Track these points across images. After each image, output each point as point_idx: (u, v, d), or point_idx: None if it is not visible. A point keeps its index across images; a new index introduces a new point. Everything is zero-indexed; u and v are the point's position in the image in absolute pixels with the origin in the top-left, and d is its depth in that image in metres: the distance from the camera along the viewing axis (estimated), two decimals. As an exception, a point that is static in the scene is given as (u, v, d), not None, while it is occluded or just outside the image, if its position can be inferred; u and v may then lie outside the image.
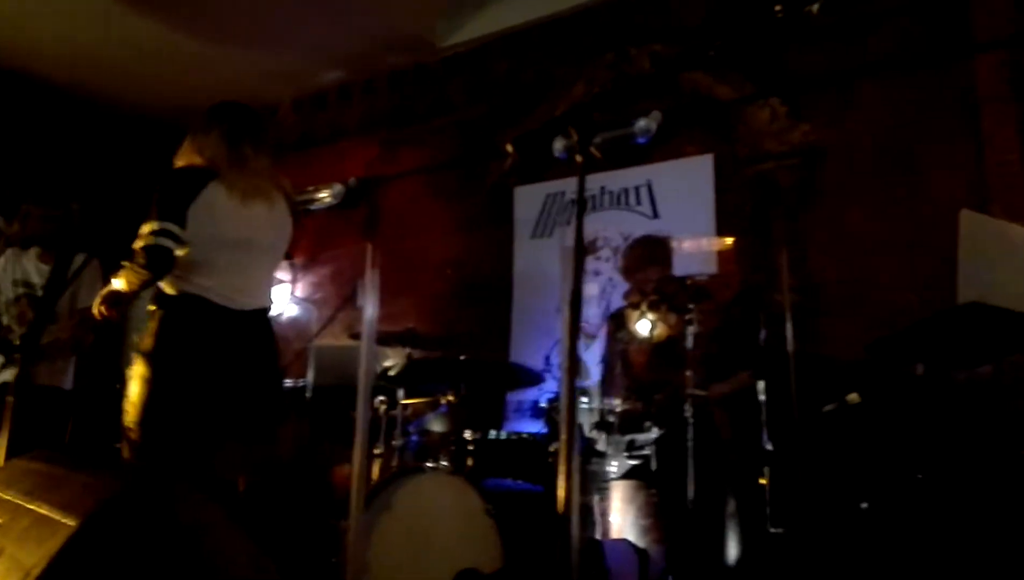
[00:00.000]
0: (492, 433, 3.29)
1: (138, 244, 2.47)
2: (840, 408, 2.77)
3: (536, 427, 3.78)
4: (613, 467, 3.25)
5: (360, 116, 5.96)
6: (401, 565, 2.63)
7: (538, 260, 5.02)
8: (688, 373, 3.03)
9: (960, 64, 3.80)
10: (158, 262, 2.46)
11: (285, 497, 3.65)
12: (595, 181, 4.82)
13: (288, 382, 4.31)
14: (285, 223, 2.83)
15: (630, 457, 3.34)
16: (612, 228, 4.73)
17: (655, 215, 4.63)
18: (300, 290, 5.87)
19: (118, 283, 2.51)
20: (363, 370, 2.16)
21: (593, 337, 4.51)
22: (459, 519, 2.72)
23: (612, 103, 4.25)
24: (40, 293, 3.61)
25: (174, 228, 2.47)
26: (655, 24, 4.65)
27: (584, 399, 3.32)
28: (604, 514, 3.20)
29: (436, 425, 3.62)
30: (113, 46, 5.43)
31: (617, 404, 3.26)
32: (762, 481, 2.86)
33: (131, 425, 2.46)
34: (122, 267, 2.51)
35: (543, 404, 3.45)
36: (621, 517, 3.19)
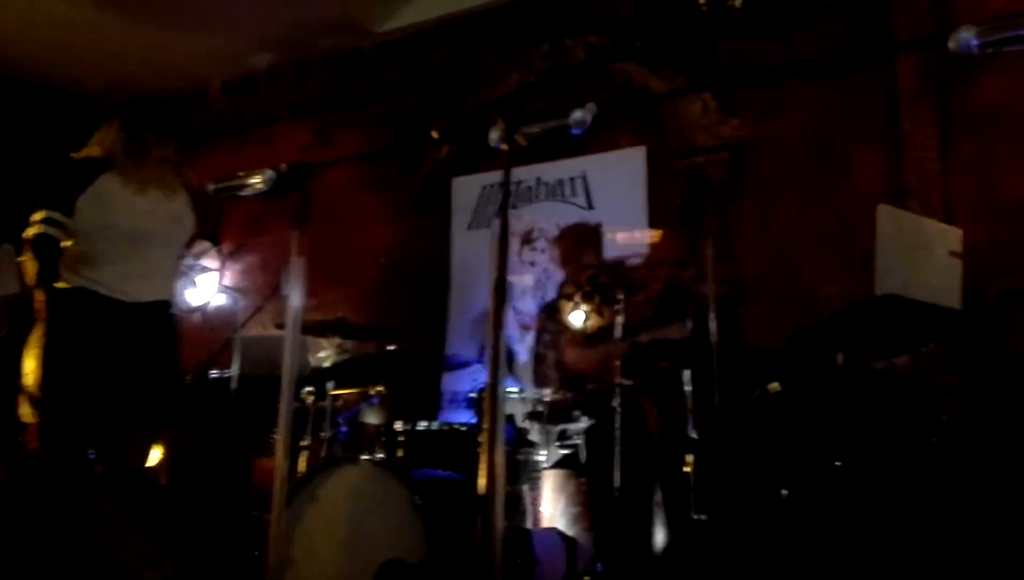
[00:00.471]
0: (422, 424, 3.27)
1: (27, 234, 2.46)
2: (762, 397, 2.84)
3: (469, 417, 3.78)
4: (544, 456, 3.26)
5: (293, 101, 5.83)
6: (325, 557, 2.60)
7: (475, 251, 5.00)
8: (616, 363, 3.07)
9: (881, 63, 3.92)
10: (44, 252, 2.44)
11: (209, 489, 3.58)
12: (531, 172, 4.83)
13: (214, 373, 4.22)
14: (184, 215, 2.83)
15: (561, 447, 3.37)
16: (548, 219, 4.74)
17: (590, 206, 4.66)
18: (228, 279, 5.73)
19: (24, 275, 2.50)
20: (287, 360, 2.13)
21: (528, 328, 4.52)
22: (385, 510, 2.69)
23: (548, 94, 4.26)
24: None
25: (60, 217, 2.47)
26: (590, 15, 4.67)
27: (513, 389, 3.33)
28: (536, 503, 3.22)
29: (371, 417, 3.59)
30: (38, 23, 5.19)
31: (547, 394, 3.28)
32: (687, 469, 2.92)
33: (27, 417, 2.44)
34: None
35: (473, 394, 3.44)
36: (552, 506, 3.22)
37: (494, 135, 1.66)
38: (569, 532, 3.11)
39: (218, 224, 5.95)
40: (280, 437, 2.04)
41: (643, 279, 4.03)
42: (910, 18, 3.88)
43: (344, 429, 3.39)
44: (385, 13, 5.25)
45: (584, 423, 3.31)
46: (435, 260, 5.05)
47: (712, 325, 2.90)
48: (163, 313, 2.77)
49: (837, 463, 2.84)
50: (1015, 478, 2.54)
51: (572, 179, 4.73)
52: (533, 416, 3.34)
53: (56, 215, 2.48)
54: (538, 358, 3.99)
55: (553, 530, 3.13)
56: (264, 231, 5.65)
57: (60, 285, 2.55)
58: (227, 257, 5.80)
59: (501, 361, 1.61)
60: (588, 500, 3.16)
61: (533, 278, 4.75)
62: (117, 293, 2.59)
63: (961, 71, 3.70)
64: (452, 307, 4.99)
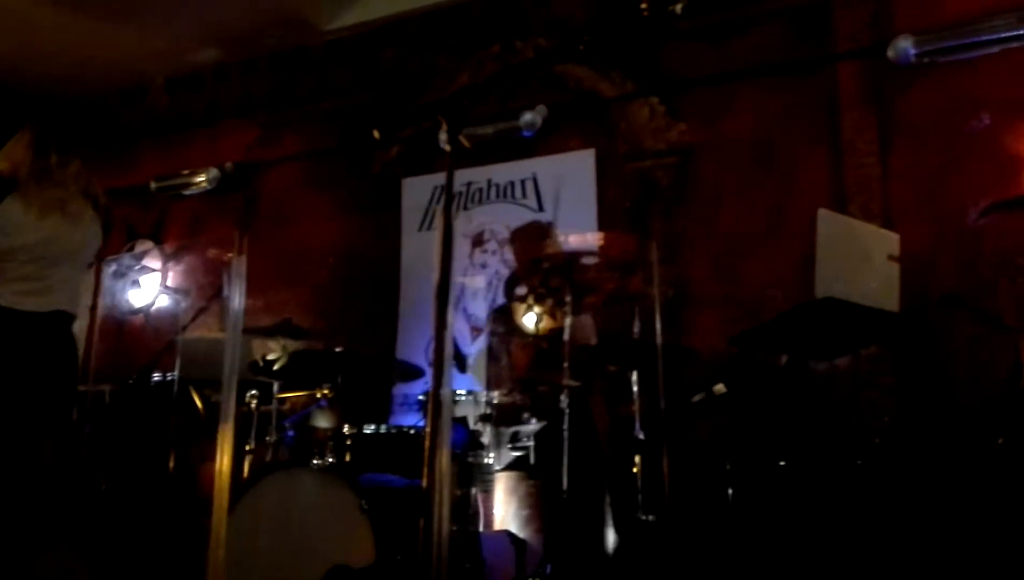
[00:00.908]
0: (370, 427, 3.23)
1: None
2: (707, 398, 2.87)
3: (419, 420, 3.75)
4: (491, 459, 3.25)
5: (238, 98, 5.71)
6: (270, 563, 2.55)
7: (426, 253, 4.95)
8: (565, 365, 3.07)
9: (823, 70, 4.01)
10: None
11: (151, 496, 3.49)
12: (482, 174, 4.82)
13: (156, 376, 4.12)
14: (91, 233, 2.88)
15: (513, 449, 3.36)
16: (499, 221, 4.74)
17: (540, 208, 4.67)
18: (171, 279, 5.59)
19: None
20: (228, 363, 2.08)
21: (480, 330, 4.51)
22: (331, 515, 2.66)
23: (492, 94, 4.26)
24: None
25: None
26: (540, 18, 4.69)
27: (461, 391, 3.31)
28: (488, 506, 3.21)
29: (321, 420, 3.54)
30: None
31: (495, 396, 3.27)
32: (634, 470, 2.94)
33: None
34: None
35: (422, 397, 3.42)
36: (504, 508, 3.21)
37: (443, 136, 1.64)
38: (521, 534, 3.10)
39: (162, 223, 5.82)
40: (221, 441, 2.00)
41: (593, 281, 4.05)
42: (851, 27, 3.98)
43: (291, 433, 3.33)
44: (333, 11, 5.18)
45: (535, 425, 3.31)
46: (385, 262, 5.00)
47: (658, 327, 2.92)
48: (62, 324, 2.79)
49: (781, 463, 2.89)
50: (951, 476, 2.60)
51: (523, 181, 4.73)
52: (485, 418, 3.33)
53: None
54: (490, 360, 3.98)
55: (504, 533, 3.12)
56: (208, 231, 5.54)
57: None
58: (170, 257, 5.66)
59: (446, 363, 1.59)
60: (539, 502, 3.16)
61: (485, 280, 4.74)
62: (15, 304, 2.64)
63: (900, 79, 3.80)
64: (402, 309, 4.95)
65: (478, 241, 4.80)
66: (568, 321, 3.12)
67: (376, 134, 1.68)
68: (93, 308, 5.18)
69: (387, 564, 2.52)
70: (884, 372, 3.66)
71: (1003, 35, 3.24)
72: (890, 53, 3.54)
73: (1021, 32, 3.18)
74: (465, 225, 4.74)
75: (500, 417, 3.32)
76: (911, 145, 3.81)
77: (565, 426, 2.97)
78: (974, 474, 2.55)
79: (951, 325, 3.46)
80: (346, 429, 3.18)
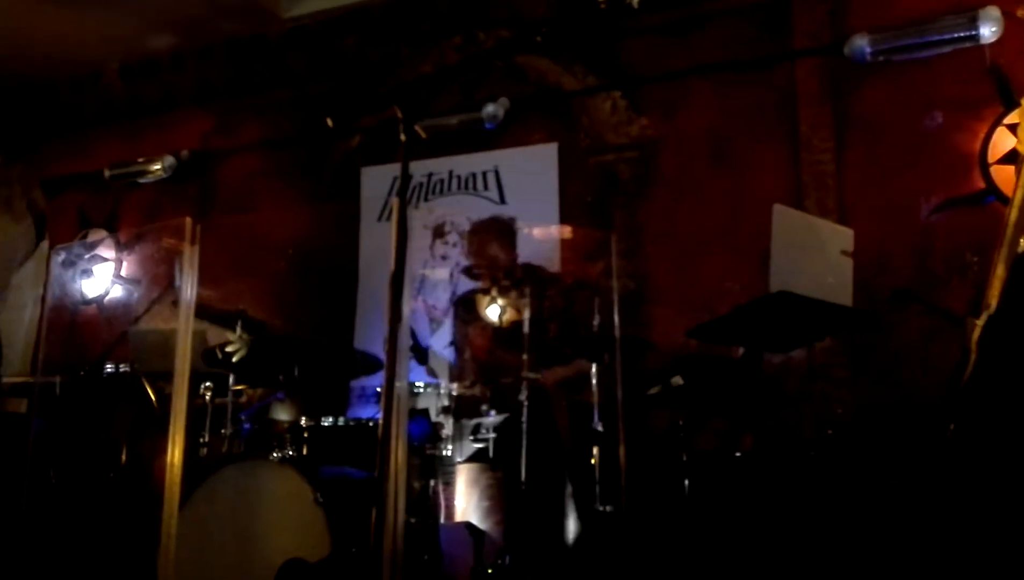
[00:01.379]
0: (328, 420, 3.20)
1: None
2: (665, 390, 2.89)
3: (377, 412, 3.72)
4: (451, 450, 3.24)
5: (195, 85, 5.60)
6: (223, 557, 2.52)
7: (385, 243, 4.90)
8: (524, 357, 3.07)
9: (781, 67, 4.06)
10: None
11: (102, 489, 3.42)
12: (444, 165, 4.79)
13: (109, 367, 4.03)
14: (25, 239, 2.91)
15: (475, 441, 3.36)
16: (460, 212, 4.72)
17: (502, 200, 4.66)
18: (124, 269, 5.48)
19: None
20: (180, 354, 2.06)
21: (440, 322, 4.49)
22: (286, 508, 2.63)
23: (451, 85, 4.24)
24: None
25: None
26: (503, 9, 4.67)
27: (420, 383, 3.30)
28: (449, 498, 3.20)
29: (280, 413, 3.50)
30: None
31: (455, 388, 3.26)
32: (592, 461, 2.96)
33: None
34: None
35: (379, 389, 3.39)
36: (465, 500, 3.21)
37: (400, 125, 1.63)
38: (482, 526, 3.10)
39: (116, 212, 5.70)
40: (173, 433, 1.97)
41: (554, 274, 4.06)
42: (809, 24, 4.03)
43: (247, 426, 3.29)
44: (294, -2, 5.11)
45: (495, 417, 3.30)
46: (344, 252, 4.96)
47: (616, 320, 2.94)
48: None
49: (737, 454, 2.93)
50: (904, 466, 2.66)
51: (484, 173, 4.72)
52: (446, 411, 3.31)
53: None
54: (456, 352, 3.96)
55: (464, 524, 3.12)
56: (164, 220, 5.43)
57: None
58: (124, 246, 5.54)
59: (402, 355, 1.59)
60: (499, 493, 3.16)
61: (446, 271, 4.72)
62: None
63: (856, 77, 3.86)
64: (361, 300, 4.91)
65: (439, 233, 4.78)
66: (527, 313, 3.11)
67: (329, 122, 1.67)
68: (43, 298, 5.07)
69: (342, 557, 2.51)
70: (838, 365, 3.73)
71: (956, 35, 3.31)
72: (846, 51, 3.59)
73: (973, 33, 3.25)
74: (426, 216, 4.71)
75: (461, 409, 3.31)
76: (866, 142, 3.87)
77: (524, 418, 2.97)
78: (926, 463, 2.60)
79: (904, 319, 3.54)
80: (304, 421, 3.15)
